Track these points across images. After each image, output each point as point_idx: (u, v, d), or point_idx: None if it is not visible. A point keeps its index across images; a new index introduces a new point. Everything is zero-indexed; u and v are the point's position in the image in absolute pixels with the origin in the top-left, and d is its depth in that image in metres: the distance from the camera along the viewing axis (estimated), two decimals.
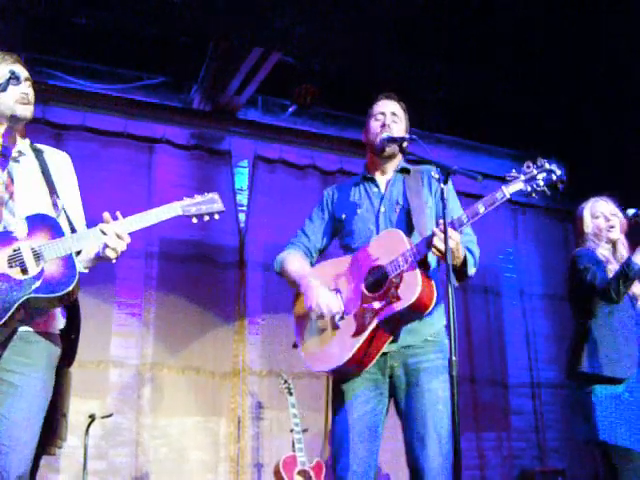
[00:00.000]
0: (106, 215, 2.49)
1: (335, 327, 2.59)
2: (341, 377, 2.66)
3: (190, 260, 5.77)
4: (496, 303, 7.03)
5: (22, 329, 2.45)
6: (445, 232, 2.33)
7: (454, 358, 2.24)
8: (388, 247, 2.58)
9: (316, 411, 5.56)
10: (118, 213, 2.51)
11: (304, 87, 5.79)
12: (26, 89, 2.60)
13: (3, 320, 2.30)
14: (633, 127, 5.99)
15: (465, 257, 2.56)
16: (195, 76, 5.75)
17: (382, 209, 2.78)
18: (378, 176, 2.88)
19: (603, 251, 3.50)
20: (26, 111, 2.60)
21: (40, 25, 5.09)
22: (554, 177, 2.46)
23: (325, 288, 2.64)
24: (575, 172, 7.25)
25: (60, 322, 2.62)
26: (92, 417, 4.81)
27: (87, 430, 4.76)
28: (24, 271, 2.36)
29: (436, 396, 2.55)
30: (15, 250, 2.38)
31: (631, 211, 3.35)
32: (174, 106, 5.96)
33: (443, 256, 2.39)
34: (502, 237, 7.18)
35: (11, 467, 2.32)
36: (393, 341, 2.59)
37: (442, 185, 2.42)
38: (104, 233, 2.45)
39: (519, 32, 5.37)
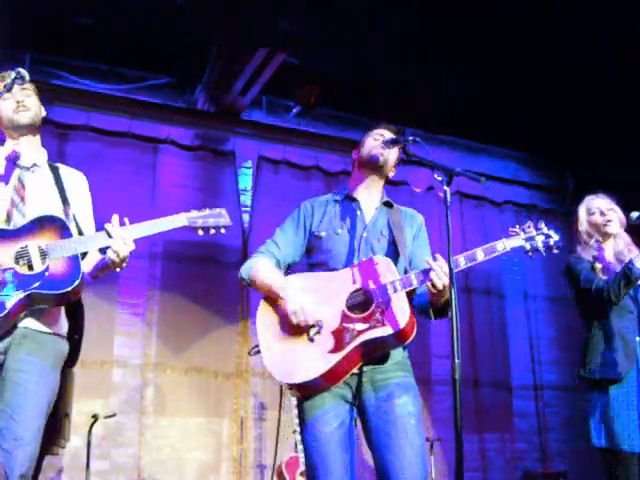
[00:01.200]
0: (114, 218, 2.52)
1: (310, 340, 2.55)
2: (307, 392, 2.60)
3: (193, 260, 5.77)
4: (499, 305, 7.03)
5: (31, 329, 2.49)
6: (448, 239, 2.35)
7: (457, 361, 2.23)
8: (376, 273, 2.57)
9: None
10: (126, 219, 2.56)
11: (308, 88, 5.80)
12: (21, 97, 2.64)
13: (4, 312, 2.34)
14: (634, 127, 5.97)
15: (447, 299, 2.56)
16: (199, 77, 5.76)
17: (364, 234, 2.76)
18: (362, 196, 2.86)
19: (591, 250, 3.48)
20: (23, 118, 2.66)
21: (45, 25, 5.12)
22: (551, 242, 2.67)
23: (310, 296, 2.59)
24: (577, 173, 7.27)
25: (65, 325, 2.65)
26: (95, 417, 4.83)
27: (90, 430, 4.78)
28: (30, 267, 2.43)
29: (407, 411, 2.53)
30: (23, 247, 2.45)
31: (635, 214, 3.33)
32: (178, 107, 5.99)
33: (436, 293, 2.49)
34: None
35: (14, 465, 2.34)
36: (365, 363, 2.58)
37: (445, 187, 2.42)
38: (110, 235, 2.48)
39: (519, 32, 5.37)
